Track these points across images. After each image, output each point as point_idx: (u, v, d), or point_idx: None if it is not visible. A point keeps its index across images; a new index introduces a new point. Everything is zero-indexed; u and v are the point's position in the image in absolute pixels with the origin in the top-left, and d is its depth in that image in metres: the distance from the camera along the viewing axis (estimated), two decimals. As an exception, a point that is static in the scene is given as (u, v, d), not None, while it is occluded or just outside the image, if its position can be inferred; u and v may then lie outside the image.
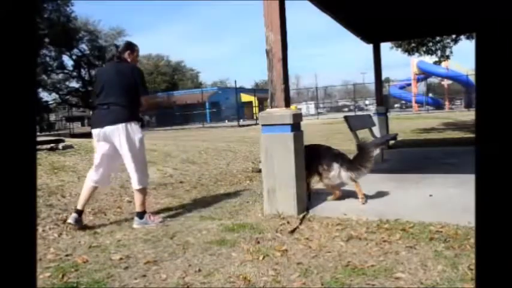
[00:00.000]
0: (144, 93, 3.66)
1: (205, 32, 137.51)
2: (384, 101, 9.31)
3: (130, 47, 3.83)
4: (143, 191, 3.64)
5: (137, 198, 3.62)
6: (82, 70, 35.37)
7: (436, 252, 2.52)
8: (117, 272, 2.50)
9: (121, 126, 3.49)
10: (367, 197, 3.92)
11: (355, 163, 3.81)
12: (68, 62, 34.71)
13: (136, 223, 3.54)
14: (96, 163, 3.64)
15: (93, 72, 35.79)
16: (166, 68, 47.15)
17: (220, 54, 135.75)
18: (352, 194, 4.28)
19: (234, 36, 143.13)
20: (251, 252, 2.70)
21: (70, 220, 3.49)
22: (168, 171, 6.50)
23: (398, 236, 2.85)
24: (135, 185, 3.60)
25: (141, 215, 3.57)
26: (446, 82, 39.33)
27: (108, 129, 3.50)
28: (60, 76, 35.44)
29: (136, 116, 3.62)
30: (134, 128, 3.56)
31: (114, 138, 3.51)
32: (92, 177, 3.63)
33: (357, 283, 2.17)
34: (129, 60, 3.78)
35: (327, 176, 3.82)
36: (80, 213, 3.55)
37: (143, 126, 3.75)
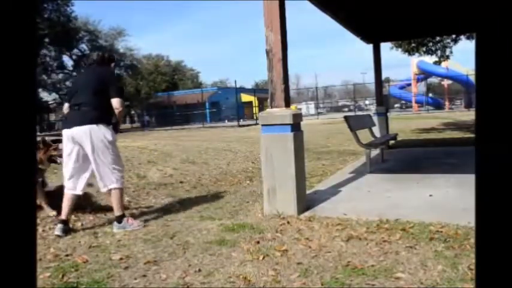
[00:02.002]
0: (116, 95, 3.50)
1: (205, 32, 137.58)
2: (384, 101, 9.31)
3: (113, 58, 3.94)
4: (121, 192, 3.54)
5: (114, 199, 3.49)
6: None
7: (436, 252, 2.52)
8: (117, 272, 2.50)
9: (88, 128, 3.38)
10: (367, 197, 3.91)
11: None
12: (68, 62, 34.69)
13: (116, 227, 3.42)
14: (66, 168, 3.51)
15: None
16: (166, 68, 47.10)
17: (220, 54, 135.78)
18: (351, 195, 4.28)
19: (234, 36, 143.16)
20: (251, 252, 2.70)
21: (57, 232, 3.34)
22: (168, 171, 6.50)
23: (398, 236, 2.85)
24: (111, 184, 3.45)
25: (120, 218, 3.45)
26: (446, 82, 39.35)
27: (75, 130, 3.40)
28: (60, 76, 35.40)
29: (105, 118, 3.47)
30: (103, 129, 3.43)
31: (82, 139, 3.39)
32: (66, 185, 3.52)
33: (357, 283, 2.17)
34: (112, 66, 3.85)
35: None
36: (65, 222, 3.43)
37: (116, 129, 3.61)
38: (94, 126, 3.40)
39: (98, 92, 3.48)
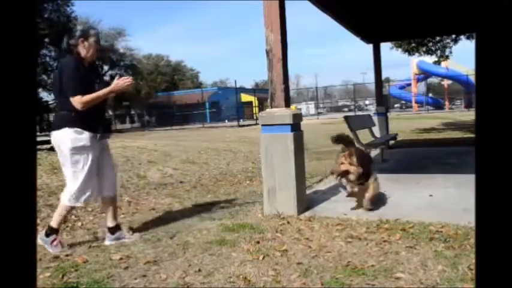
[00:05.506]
0: (68, 93, 2.92)
1: (205, 32, 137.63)
2: (383, 101, 9.32)
3: (83, 33, 3.05)
4: (66, 208, 3.04)
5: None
6: (82, 70, 35.35)
7: (436, 252, 2.52)
8: (117, 272, 2.50)
9: (54, 133, 3.01)
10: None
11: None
12: (68, 62, 34.65)
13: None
14: None
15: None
16: (166, 68, 47.12)
17: (220, 54, 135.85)
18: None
19: (234, 36, 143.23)
20: (251, 252, 2.70)
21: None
22: (168, 171, 6.50)
23: (398, 236, 2.85)
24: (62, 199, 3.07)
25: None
26: (446, 82, 39.35)
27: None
28: (60, 76, 35.36)
29: (67, 122, 2.95)
30: (63, 135, 2.96)
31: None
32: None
33: (357, 283, 2.17)
34: (82, 51, 3.04)
35: None
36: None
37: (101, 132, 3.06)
38: (56, 132, 3.04)
39: (60, 91, 3.03)
